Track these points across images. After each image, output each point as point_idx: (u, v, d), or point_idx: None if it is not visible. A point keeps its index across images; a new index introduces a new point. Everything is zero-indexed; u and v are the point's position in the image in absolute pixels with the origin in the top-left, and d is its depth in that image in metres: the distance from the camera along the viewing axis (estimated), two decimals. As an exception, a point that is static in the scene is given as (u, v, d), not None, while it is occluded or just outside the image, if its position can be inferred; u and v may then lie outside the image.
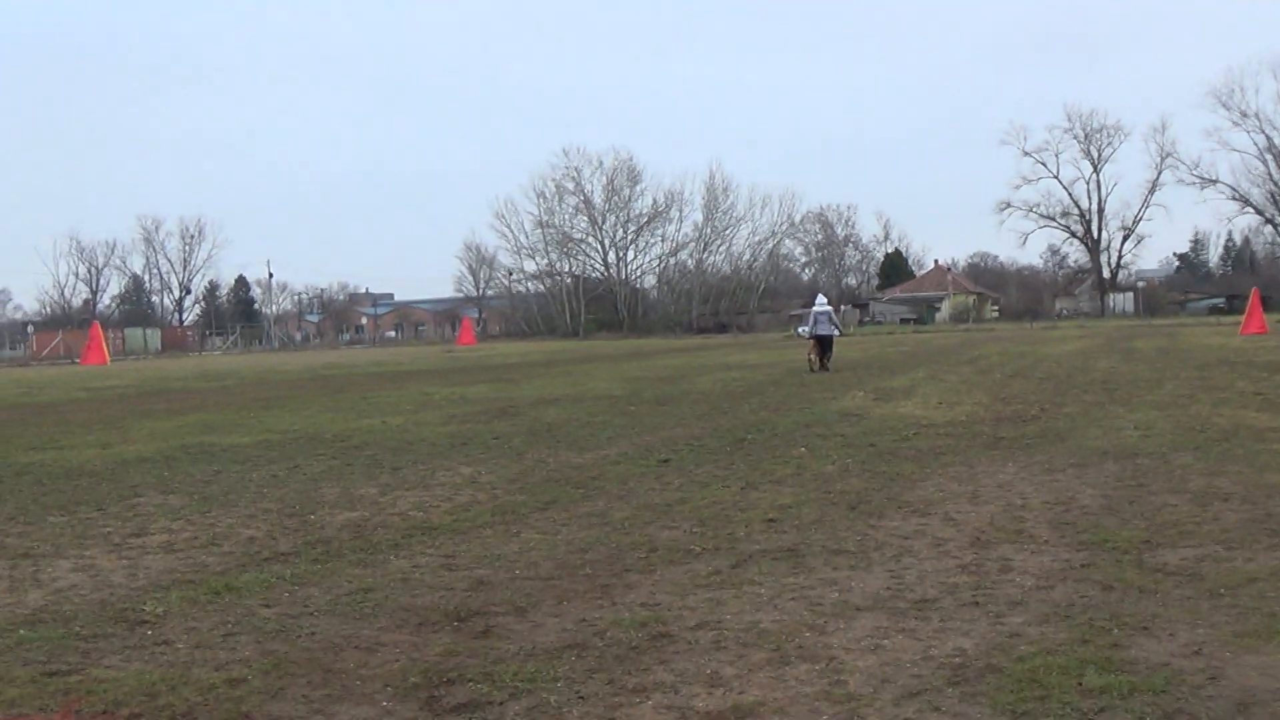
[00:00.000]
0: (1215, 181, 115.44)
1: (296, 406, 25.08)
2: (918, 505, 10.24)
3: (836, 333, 33.77)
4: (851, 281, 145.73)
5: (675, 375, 32.84)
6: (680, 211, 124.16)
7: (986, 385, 24.74)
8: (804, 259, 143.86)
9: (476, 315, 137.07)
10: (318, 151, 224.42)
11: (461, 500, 11.52)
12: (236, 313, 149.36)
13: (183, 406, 26.43)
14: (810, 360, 32.12)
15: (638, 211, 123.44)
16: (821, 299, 33.63)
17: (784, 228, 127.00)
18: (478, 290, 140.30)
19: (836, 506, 10.31)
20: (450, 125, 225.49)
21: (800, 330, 35.96)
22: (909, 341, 60.30)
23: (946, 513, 9.83)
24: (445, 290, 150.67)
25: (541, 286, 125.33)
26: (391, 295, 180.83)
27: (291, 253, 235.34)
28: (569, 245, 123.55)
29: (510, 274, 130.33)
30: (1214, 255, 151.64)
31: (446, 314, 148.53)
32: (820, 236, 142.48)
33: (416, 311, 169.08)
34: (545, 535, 9.56)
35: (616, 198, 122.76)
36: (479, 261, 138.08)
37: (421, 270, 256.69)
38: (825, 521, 9.62)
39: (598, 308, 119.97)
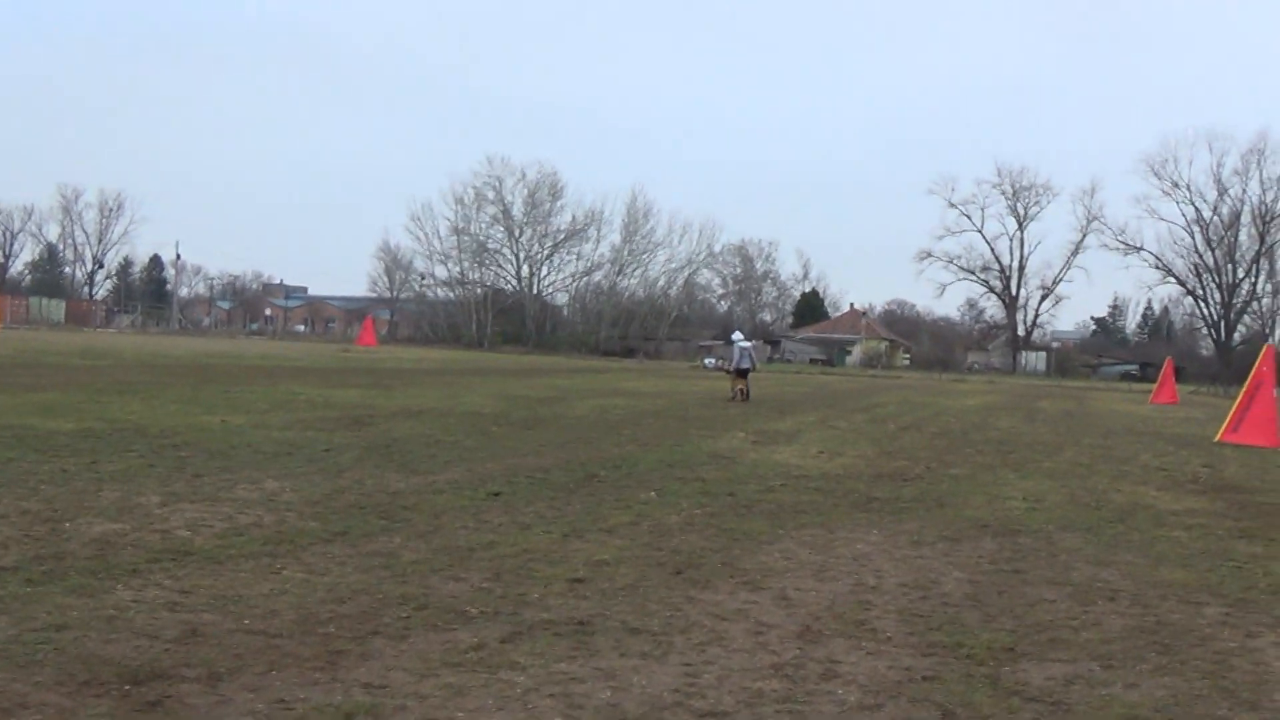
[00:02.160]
0: (1140, 249, 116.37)
1: (151, 394, 23.74)
2: (753, 575, 8.84)
3: (754, 368, 36.90)
4: (767, 317, 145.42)
5: (558, 397, 31.58)
6: (599, 231, 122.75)
7: (876, 436, 23.63)
8: (721, 290, 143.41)
9: (389, 317, 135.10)
10: (245, 138, 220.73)
11: (244, 521, 10.11)
12: (148, 291, 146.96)
13: (39, 383, 25.29)
14: (734, 391, 34.47)
15: (556, 227, 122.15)
16: (739, 334, 37.12)
17: (702, 257, 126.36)
18: (392, 292, 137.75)
19: (661, 569, 8.90)
20: (380, 122, 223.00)
21: (707, 362, 36.52)
22: (812, 383, 59.42)
23: (784, 589, 8.42)
24: (360, 289, 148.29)
25: (452, 294, 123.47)
26: (305, 289, 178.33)
27: (211, 237, 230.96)
28: (483, 255, 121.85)
29: (423, 278, 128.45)
30: (1132, 322, 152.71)
31: (358, 312, 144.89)
32: (739, 269, 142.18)
33: (328, 307, 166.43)
34: (310, 575, 8.12)
35: (536, 211, 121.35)
36: (395, 263, 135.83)
37: (339, 267, 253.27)
38: (639, 587, 8.19)
39: (506, 320, 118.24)
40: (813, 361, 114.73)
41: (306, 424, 19.16)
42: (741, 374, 34.68)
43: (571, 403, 29.13)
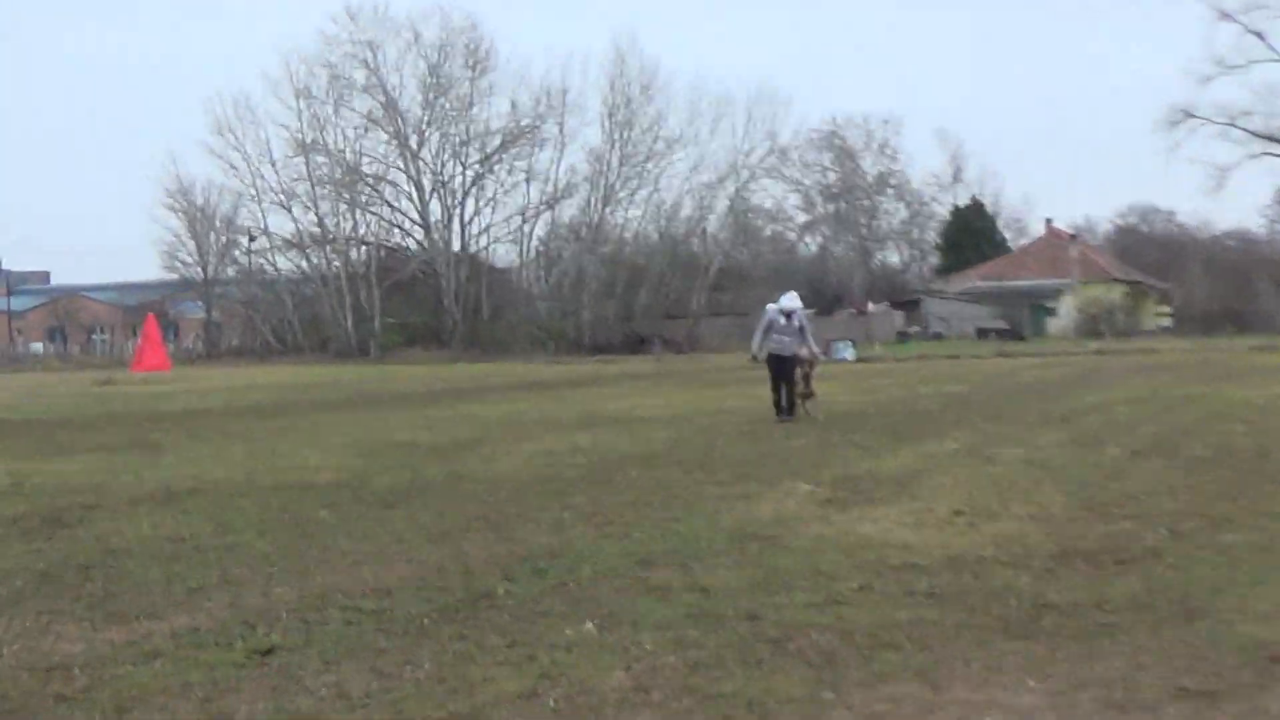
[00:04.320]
0: None
1: None
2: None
3: (817, 352, 37.49)
4: (893, 259, 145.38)
5: (473, 440, 31.30)
6: (562, 127, 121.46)
7: (1076, 472, 22.90)
8: (803, 216, 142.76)
9: (201, 312, 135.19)
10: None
11: None
12: None
13: None
14: (775, 401, 35.21)
15: (484, 123, 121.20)
16: (792, 295, 36.80)
17: (760, 156, 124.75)
18: (203, 266, 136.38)
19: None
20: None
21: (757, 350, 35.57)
22: (971, 374, 58.88)
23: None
24: (147, 267, 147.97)
25: (306, 263, 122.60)
26: (47, 275, 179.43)
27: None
28: (354, 187, 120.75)
29: (250, 238, 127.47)
30: None
31: (144, 309, 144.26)
32: (834, 175, 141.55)
33: (89, 304, 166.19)
34: None
35: (445, 99, 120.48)
36: (201, 215, 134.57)
37: (104, 234, 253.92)
38: None
39: (409, 303, 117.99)
40: (983, 333, 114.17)
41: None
42: (781, 365, 34.90)
43: (494, 449, 28.81)
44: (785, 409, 34.31)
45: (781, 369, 34.54)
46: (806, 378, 34.82)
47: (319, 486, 22.99)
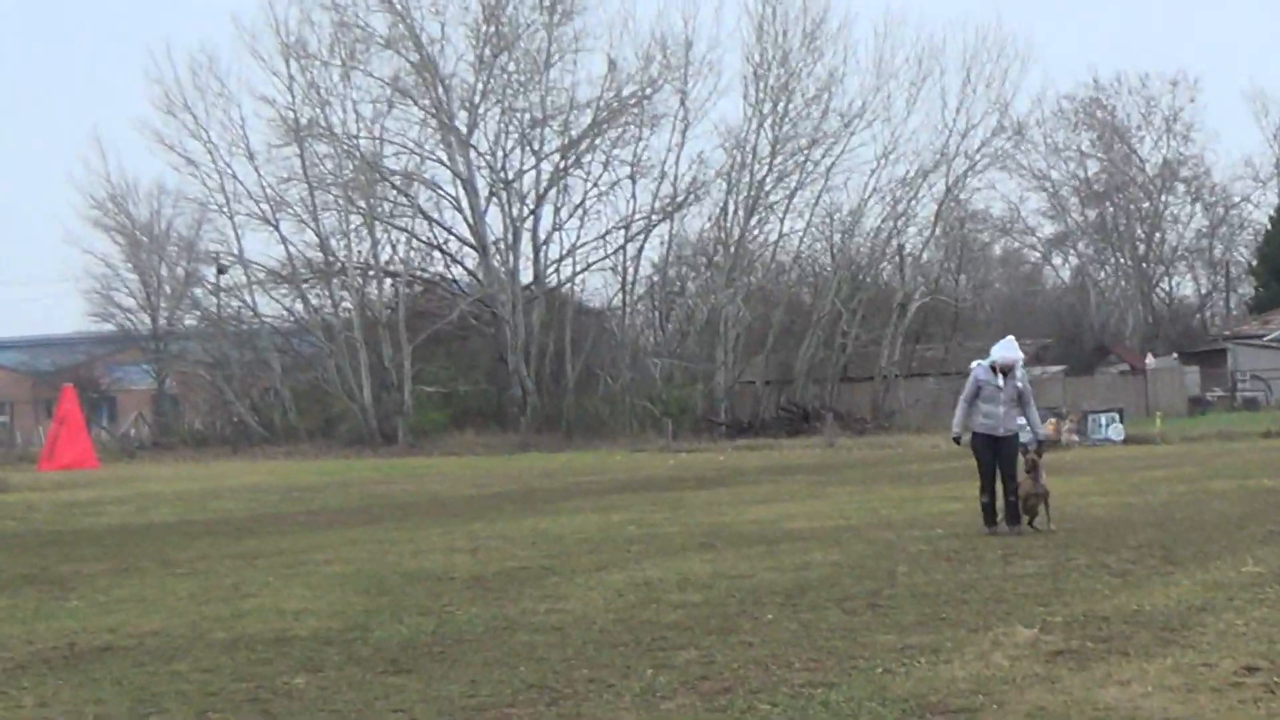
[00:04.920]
0: None
1: None
2: None
3: (1037, 434, 36.52)
4: (1186, 289, 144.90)
5: (536, 567, 31.53)
6: (685, 97, 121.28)
7: None
8: (1050, 226, 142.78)
9: (151, 380, 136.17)
10: None
11: None
12: None
13: None
14: (984, 505, 35.39)
15: (566, 96, 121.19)
16: (1009, 343, 36.42)
17: (984, 138, 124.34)
18: (150, 312, 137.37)
19: None
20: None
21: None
22: None
23: None
24: (66, 316, 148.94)
25: (300, 307, 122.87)
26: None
27: None
28: (373, 190, 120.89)
29: (220, 269, 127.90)
30: None
31: (65, 377, 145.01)
32: (1097, 165, 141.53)
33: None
34: None
35: (509, 57, 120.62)
36: (142, 237, 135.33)
37: (5, 264, 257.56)
38: None
39: (456, 363, 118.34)
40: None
41: None
42: (995, 450, 34.83)
43: (565, 582, 28.96)
44: (1002, 517, 33.78)
45: (996, 455, 33.96)
46: (1035, 468, 34.04)
47: (297, 640, 23.05)
